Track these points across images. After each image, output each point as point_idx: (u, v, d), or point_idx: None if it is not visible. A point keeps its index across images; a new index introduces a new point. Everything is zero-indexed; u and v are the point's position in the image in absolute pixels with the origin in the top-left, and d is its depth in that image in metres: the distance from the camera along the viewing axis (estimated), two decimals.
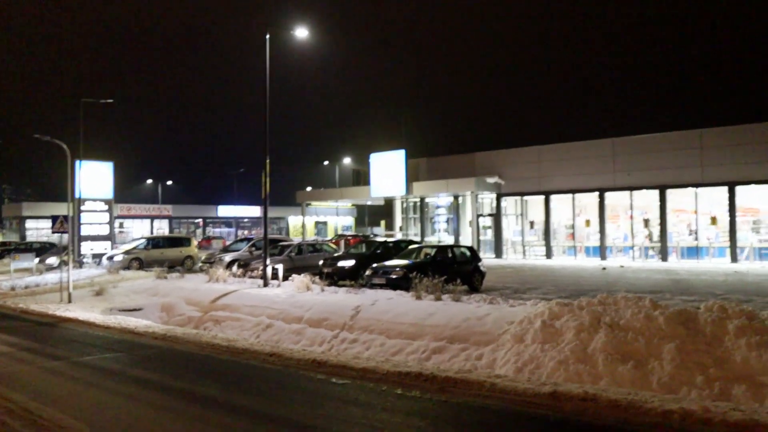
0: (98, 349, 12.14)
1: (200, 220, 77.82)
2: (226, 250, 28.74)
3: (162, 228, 72.19)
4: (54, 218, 20.31)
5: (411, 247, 21.37)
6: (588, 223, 33.56)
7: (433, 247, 21.79)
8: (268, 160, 19.94)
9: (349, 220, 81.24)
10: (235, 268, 22.69)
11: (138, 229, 68.70)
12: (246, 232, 79.77)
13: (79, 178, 28.54)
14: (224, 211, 79.08)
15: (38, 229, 64.11)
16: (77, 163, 29.80)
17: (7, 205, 71.77)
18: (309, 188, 63.55)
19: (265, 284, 19.17)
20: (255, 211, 79.77)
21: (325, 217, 77.29)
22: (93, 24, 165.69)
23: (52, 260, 31.12)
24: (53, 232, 21.12)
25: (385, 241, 23.51)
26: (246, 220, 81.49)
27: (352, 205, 70.14)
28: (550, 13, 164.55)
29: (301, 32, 20.41)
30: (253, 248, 26.36)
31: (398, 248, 21.77)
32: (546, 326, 11.12)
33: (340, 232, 69.84)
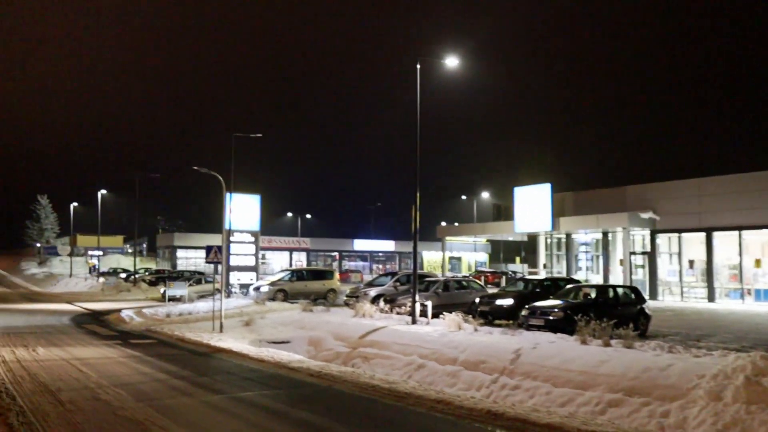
0: (255, 384, 11.89)
1: (336, 253, 79.16)
2: (370, 284, 28.54)
3: (300, 260, 74.05)
4: (208, 248, 20.83)
5: (569, 286, 20.00)
6: (758, 263, 30.44)
7: (592, 286, 20.32)
8: (418, 194, 19.45)
9: (483, 256, 79.75)
10: (382, 303, 22.26)
11: (277, 261, 70.83)
12: (381, 266, 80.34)
13: (229, 209, 29.38)
14: (360, 244, 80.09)
15: (187, 258, 67.71)
16: (227, 195, 30.78)
17: (161, 235, 76.47)
18: (443, 223, 62.99)
19: (414, 321, 18.50)
20: (389, 245, 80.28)
21: (459, 253, 76.30)
22: (244, 61, 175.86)
23: (181, 291, 30.35)
24: (207, 262, 21.66)
25: (543, 279, 22.28)
26: (380, 254, 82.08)
27: (487, 240, 68.76)
28: (708, 34, 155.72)
29: (452, 61, 19.92)
30: (398, 283, 25.90)
31: (556, 286, 20.46)
32: (750, 383, 9.61)
33: (474, 267, 68.55)
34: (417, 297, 19.04)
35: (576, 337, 14.06)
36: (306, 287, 30.32)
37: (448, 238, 47.97)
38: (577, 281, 23.71)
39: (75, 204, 64.96)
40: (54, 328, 21.84)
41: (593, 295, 18.32)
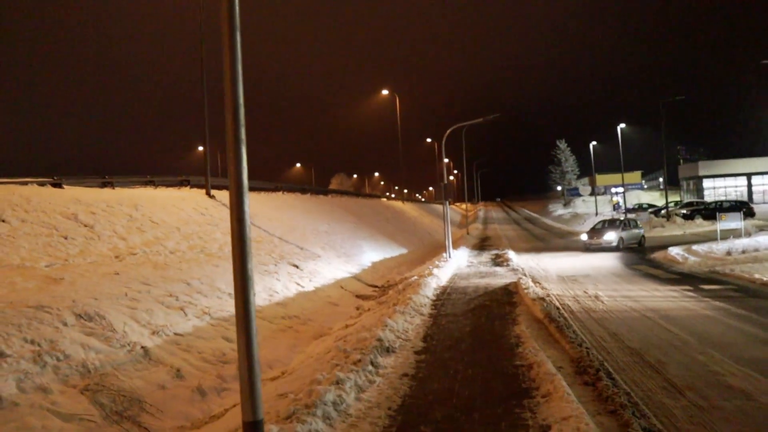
0: None
1: None
2: None
3: None
4: None
5: None
6: None
7: None
8: None
9: None
10: None
11: None
12: None
13: None
14: None
15: (715, 188, 60.41)
16: None
17: (683, 165, 70.26)
18: None
19: None
20: None
21: None
22: None
23: (735, 224, 23.81)
24: None
25: None
26: None
27: None
28: None
29: None
30: None
31: None
32: None
33: None
34: None
35: None
36: None
37: None
38: None
39: (594, 143, 63.76)
40: (604, 269, 19.52)
41: None
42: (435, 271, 17.91)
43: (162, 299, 11.20)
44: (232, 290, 13.13)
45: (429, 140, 66.75)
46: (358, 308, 15.36)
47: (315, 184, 66.04)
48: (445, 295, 14.23)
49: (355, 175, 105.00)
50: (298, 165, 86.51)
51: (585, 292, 14.27)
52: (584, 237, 27.91)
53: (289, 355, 11.16)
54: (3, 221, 12.86)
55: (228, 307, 12.50)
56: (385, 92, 45.82)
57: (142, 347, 9.22)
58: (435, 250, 29.69)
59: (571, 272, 18.87)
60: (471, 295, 14.25)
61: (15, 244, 12.26)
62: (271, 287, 15.03)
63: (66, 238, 13.31)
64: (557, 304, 12.07)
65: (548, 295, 13.11)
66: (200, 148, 66.34)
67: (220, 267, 14.73)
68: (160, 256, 14.21)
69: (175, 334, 10.27)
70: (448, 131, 22.56)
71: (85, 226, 14.36)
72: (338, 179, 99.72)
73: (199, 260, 14.91)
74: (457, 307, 12.57)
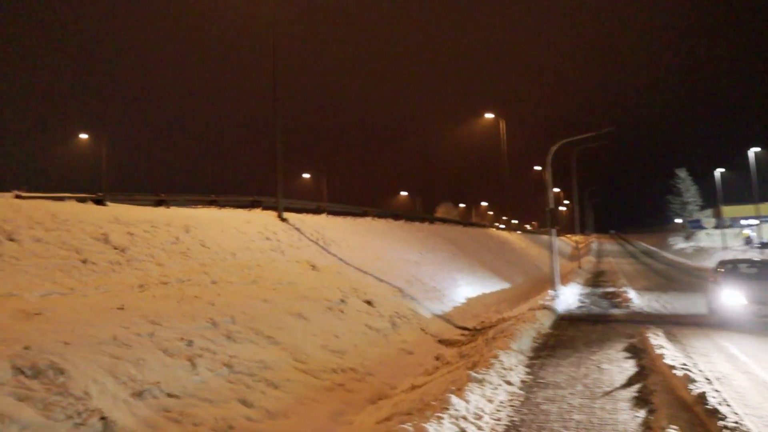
0: None
1: None
2: None
3: None
4: None
5: None
6: None
7: None
8: None
9: None
10: None
11: None
12: None
13: None
14: None
15: None
16: None
17: None
18: None
19: None
20: None
21: None
22: None
23: None
24: None
25: None
26: None
27: None
28: None
29: None
30: None
31: None
32: None
33: None
34: None
35: None
36: None
37: None
38: None
39: (720, 170, 56.89)
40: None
41: None
42: (537, 313, 14.24)
43: (167, 344, 8.35)
44: (273, 333, 9.75)
45: (538, 168, 62.21)
46: (437, 358, 11.98)
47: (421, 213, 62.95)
48: (546, 351, 10.56)
49: (462, 204, 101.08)
50: (403, 193, 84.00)
51: (744, 355, 10.15)
52: (737, 299, 13.15)
53: (329, 428, 7.96)
54: (11, 240, 10.61)
55: (263, 355, 9.52)
56: (489, 116, 42.54)
57: (103, 418, 6.33)
58: (541, 285, 25.75)
59: (711, 319, 14.52)
60: (581, 350, 10.50)
61: (16, 267, 9.91)
62: (331, 329, 11.94)
63: (84, 262, 10.88)
64: (710, 374, 8.16)
65: (691, 358, 9.21)
66: (307, 175, 65.14)
67: (269, 302, 11.84)
68: (196, 287, 11.52)
69: (169, 395, 7.36)
70: (555, 146, 18.80)
71: (116, 248, 11.94)
72: (444, 208, 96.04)
73: (245, 293, 12.10)
74: (562, 371, 8.91)
